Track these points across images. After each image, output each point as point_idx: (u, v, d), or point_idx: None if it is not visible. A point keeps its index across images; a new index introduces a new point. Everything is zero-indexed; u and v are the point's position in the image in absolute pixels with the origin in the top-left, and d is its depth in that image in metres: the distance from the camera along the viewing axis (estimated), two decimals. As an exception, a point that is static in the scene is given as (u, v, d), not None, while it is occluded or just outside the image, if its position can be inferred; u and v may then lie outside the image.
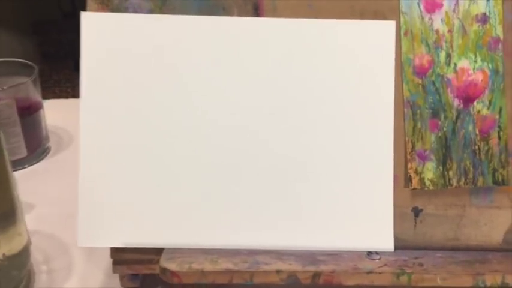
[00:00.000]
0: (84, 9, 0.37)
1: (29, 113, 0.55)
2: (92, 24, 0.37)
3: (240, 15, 0.37)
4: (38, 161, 0.57)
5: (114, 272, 0.39)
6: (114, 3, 0.37)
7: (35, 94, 0.55)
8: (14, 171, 0.44)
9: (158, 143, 0.37)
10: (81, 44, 0.37)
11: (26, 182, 0.52)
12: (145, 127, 0.37)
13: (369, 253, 0.37)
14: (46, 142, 0.59)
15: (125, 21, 0.37)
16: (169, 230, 0.37)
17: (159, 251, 0.37)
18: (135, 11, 0.37)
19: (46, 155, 0.59)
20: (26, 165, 0.56)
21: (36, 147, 0.57)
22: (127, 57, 0.37)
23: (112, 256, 0.38)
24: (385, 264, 0.36)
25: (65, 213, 0.47)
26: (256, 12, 0.38)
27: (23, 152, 0.55)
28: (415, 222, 0.38)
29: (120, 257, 0.38)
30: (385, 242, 0.37)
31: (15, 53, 0.62)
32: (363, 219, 0.37)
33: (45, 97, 0.58)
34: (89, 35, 0.37)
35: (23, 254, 0.40)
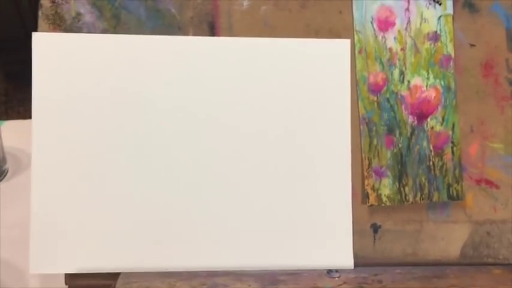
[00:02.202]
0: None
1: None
2: (44, 45, 0.36)
3: (195, 34, 0.37)
4: (-6, 184, 0.55)
5: (70, 298, 0.37)
6: (67, 23, 0.37)
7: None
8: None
9: (112, 166, 0.36)
10: (32, 65, 0.36)
11: (-20, 206, 0.50)
12: (99, 149, 0.36)
13: (329, 271, 0.37)
14: (3, 164, 0.57)
15: (78, 41, 0.36)
16: (125, 254, 0.36)
17: (115, 276, 0.36)
18: (89, 31, 0.37)
19: (3, 178, 0.57)
20: (-18, 189, 0.54)
21: (-8, 169, 0.55)
22: (80, 77, 0.36)
23: (67, 283, 0.37)
24: (345, 282, 0.36)
25: (21, 238, 0.45)
26: (212, 31, 0.38)
27: (-22, 175, 0.53)
28: (374, 239, 0.38)
29: (76, 283, 0.37)
30: (345, 259, 0.37)
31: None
32: (322, 237, 0.37)
33: (9, 117, 0.57)
34: (40, 55, 0.36)
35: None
